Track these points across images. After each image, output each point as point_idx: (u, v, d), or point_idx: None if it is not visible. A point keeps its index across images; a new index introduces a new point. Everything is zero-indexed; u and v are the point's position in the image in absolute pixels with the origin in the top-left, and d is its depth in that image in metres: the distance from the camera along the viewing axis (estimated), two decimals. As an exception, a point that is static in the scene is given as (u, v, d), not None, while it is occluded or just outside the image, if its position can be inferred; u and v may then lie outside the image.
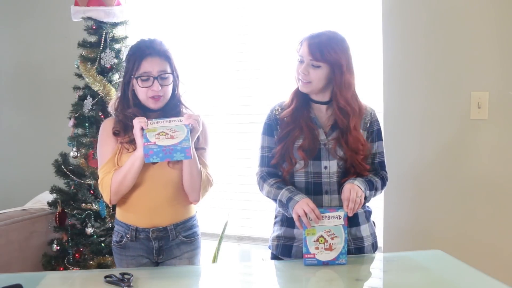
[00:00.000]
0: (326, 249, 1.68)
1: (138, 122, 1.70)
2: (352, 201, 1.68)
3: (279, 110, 1.86)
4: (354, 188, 1.71)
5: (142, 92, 1.78)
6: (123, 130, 1.81)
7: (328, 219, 1.68)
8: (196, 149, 1.81)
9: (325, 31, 1.78)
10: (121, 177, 1.75)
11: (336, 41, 1.75)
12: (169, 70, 1.81)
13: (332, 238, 1.68)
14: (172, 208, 1.85)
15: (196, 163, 1.79)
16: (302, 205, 1.67)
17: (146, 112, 1.82)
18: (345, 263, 1.69)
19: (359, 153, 1.78)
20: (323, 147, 1.80)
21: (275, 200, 1.80)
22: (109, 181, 1.76)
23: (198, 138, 1.80)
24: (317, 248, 1.68)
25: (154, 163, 1.75)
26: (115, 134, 1.82)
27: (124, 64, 1.90)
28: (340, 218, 1.68)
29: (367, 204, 1.87)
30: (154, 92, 1.77)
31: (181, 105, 1.88)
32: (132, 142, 1.78)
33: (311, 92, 1.80)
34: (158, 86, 1.76)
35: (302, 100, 1.83)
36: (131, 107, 1.81)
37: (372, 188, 1.79)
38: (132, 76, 1.79)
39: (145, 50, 1.78)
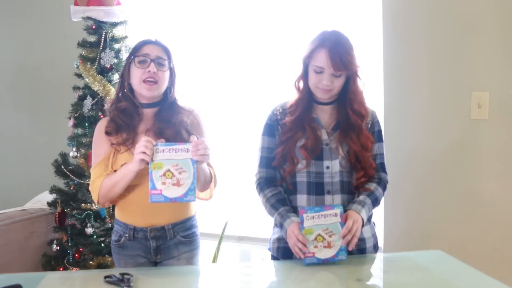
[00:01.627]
0: (325, 247, 1.68)
1: (142, 152, 1.62)
2: (351, 233, 1.68)
3: (281, 111, 1.85)
4: (358, 222, 1.70)
5: (137, 76, 1.79)
6: (115, 130, 1.81)
7: (325, 217, 1.68)
8: None
9: (332, 32, 1.76)
10: (111, 184, 1.76)
11: (350, 46, 1.75)
12: (166, 59, 1.83)
13: (330, 236, 1.68)
14: (170, 208, 1.84)
15: (204, 170, 1.79)
16: (290, 234, 1.69)
17: (138, 109, 1.83)
18: (345, 258, 1.69)
19: (368, 151, 1.80)
20: (325, 147, 1.80)
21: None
22: (99, 185, 1.77)
23: None
24: (316, 246, 1.68)
25: None
26: (107, 133, 1.83)
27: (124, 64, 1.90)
28: (336, 216, 1.69)
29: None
30: (149, 74, 1.78)
31: (177, 106, 1.87)
32: (124, 142, 1.79)
33: (329, 98, 1.81)
34: (154, 68, 1.78)
35: (306, 105, 1.82)
36: (125, 99, 1.82)
37: (376, 204, 1.82)
38: (131, 60, 1.81)
39: (146, 39, 1.86)
